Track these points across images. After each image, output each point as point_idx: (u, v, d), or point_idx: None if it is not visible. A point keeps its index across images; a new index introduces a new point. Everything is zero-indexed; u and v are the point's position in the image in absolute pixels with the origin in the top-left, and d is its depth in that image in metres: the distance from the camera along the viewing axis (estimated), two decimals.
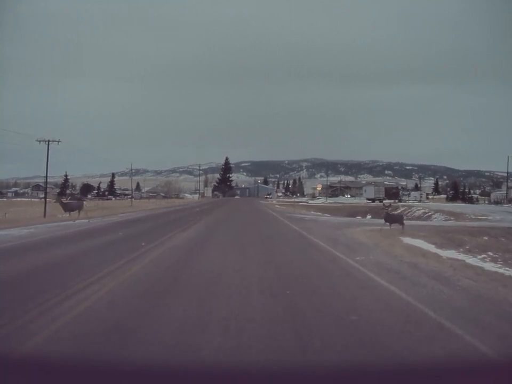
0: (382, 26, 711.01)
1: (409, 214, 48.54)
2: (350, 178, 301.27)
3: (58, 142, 34.73)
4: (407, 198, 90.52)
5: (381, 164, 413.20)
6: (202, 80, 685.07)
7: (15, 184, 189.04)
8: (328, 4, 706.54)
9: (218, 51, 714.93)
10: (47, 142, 34.69)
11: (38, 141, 34.87)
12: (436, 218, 38.39)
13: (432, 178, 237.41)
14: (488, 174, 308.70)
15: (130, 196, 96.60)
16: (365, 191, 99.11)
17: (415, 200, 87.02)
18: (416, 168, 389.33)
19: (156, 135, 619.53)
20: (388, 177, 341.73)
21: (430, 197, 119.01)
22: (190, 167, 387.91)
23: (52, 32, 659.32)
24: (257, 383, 2.76)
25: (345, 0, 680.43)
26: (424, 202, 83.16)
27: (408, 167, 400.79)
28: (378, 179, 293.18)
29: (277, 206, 63.02)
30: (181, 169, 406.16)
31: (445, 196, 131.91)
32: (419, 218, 42.52)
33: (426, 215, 42.40)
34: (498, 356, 4.39)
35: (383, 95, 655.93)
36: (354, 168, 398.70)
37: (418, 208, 49.27)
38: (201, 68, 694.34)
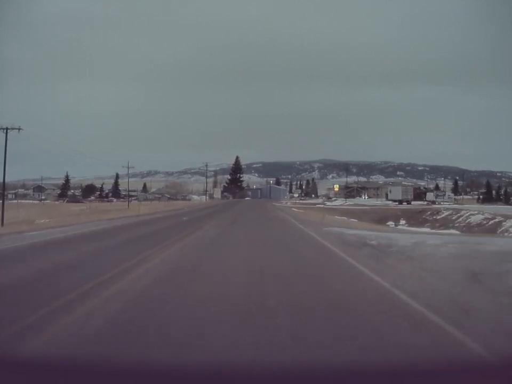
0: (393, 27, 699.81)
1: (460, 220, 39.44)
2: (362, 179, 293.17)
3: (18, 129, 26.63)
4: (441, 199, 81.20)
5: (392, 164, 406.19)
6: (213, 82, 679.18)
7: (23, 186, 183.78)
8: (335, 5, 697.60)
9: (228, 52, 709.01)
10: (5, 130, 26.57)
11: None
12: None
13: (443, 179, 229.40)
14: (499, 174, 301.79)
15: (133, 198, 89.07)
16: (390, 191, 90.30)
17: (449, 202, 77.91)
18: (428, 168, 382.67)
19: (167, 137, 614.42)
20: (400, 178, 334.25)
21: (458, 197, 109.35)
22: (201, 168, 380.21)
23: (53, 34, 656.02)
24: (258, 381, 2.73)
25: (354, 1, 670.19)
26: (453, 204, 74.15)
27: (420, 168, 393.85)
28: (391, 179, 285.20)
29: (294, 209, 53.06)
30: (192, 171, 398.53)
31: (470, 197, 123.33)
32: (479, 226, 33.47)
33: (492, 222, 32.79)
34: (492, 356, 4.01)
35: (395, 96, 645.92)
36: (366, 169, 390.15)
37: (472, 212, 39.48)
38: (212, 69, 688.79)
